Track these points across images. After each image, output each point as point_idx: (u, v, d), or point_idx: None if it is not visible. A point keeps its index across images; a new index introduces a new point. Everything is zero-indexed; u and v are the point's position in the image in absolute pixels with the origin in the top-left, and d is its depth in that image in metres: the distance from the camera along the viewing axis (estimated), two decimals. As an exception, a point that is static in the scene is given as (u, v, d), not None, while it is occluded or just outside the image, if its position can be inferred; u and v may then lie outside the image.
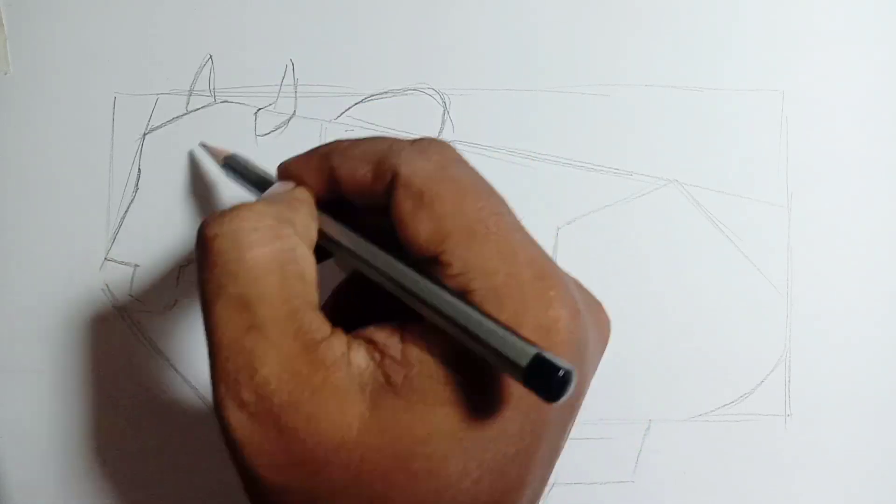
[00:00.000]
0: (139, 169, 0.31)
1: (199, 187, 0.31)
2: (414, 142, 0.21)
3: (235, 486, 0.32)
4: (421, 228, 0.19)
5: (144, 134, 0.31)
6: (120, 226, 0.31)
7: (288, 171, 0.23)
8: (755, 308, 0.31)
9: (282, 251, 0.19)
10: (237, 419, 0.18)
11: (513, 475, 0.19)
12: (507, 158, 0.31)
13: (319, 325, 0.19)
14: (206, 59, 0.31)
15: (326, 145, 0.22)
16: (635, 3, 0.30)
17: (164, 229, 0.31)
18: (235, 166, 0.28)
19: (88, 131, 0.31)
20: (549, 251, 0.20)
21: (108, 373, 0.31)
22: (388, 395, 0.18)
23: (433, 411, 0.18)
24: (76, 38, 0.31)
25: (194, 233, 0.30)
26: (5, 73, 0.31)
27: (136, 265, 0.31)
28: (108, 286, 0.31)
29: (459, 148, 0.22)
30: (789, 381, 0.31)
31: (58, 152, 0.31)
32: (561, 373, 0.16)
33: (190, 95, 0.31)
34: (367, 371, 0.19)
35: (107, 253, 0.31)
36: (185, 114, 0.31)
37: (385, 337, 0.19)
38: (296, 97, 0.31)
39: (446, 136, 0.30)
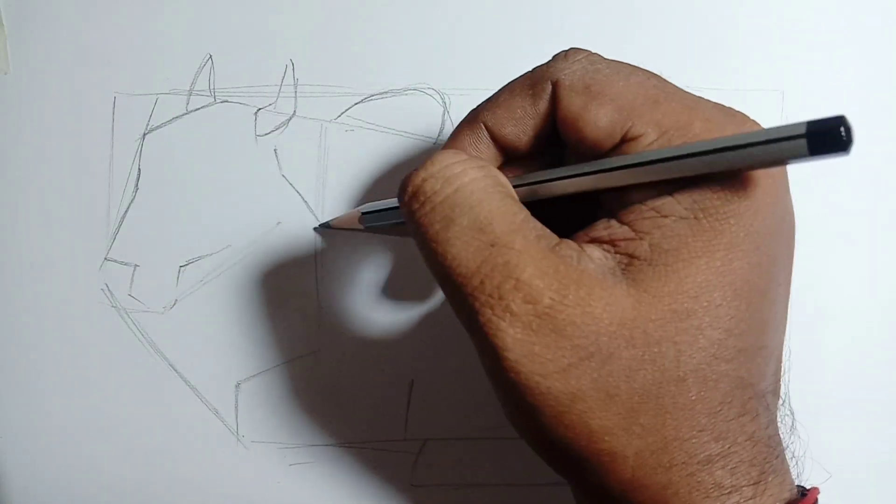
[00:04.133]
0: (139, 169, 0.31)
1: (200, 187, 0.31)
2: (554, 57, 0.21)
3: (236, 485, 0.32)
4: (601, 115, 0.19)
5: (144, 134, 0.31)
6: (120, 226, 0.31)
7: None
8: (755, 308, 0.31)
9: (488, 176, 0.20)
10: (511, 337, 0.18)
11: (761, 306, 0.19)
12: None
13: (549, 232, 0.19)
14: (206, 59, 0.31)
15: (467, 115, 0.22)
16: (635, 3, 0.30)
17: (164, 229, 0.31)
18: (373, 212, 0.26)
19: (88, 131, 0.31)
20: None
21: (109, 373, 0.31)
22: (642, 268, 0.18)
23: (693, 264, 0.18)
24: (76, 38, 0.31)
25: (194, 233, 0.31)
26: (5, 73, 0.31)
27: (136, 265, 0.31)
28: (108, 286, 0.31)
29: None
30: (789, 382, 0.31)
31: (58, 152, 0.31)
32: (838, 121, 0.16)
33: (190, 95, 0.31)
34: (608, 260, 0.19)
35: (107, 253, 0.31)
36: (185, 114, 0.31)
37: (604, 229, 0.20)
38: (296, 97, 0.31)
39: (446, 136, 0.30)
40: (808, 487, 0.20)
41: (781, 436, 0.21)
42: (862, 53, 0.30)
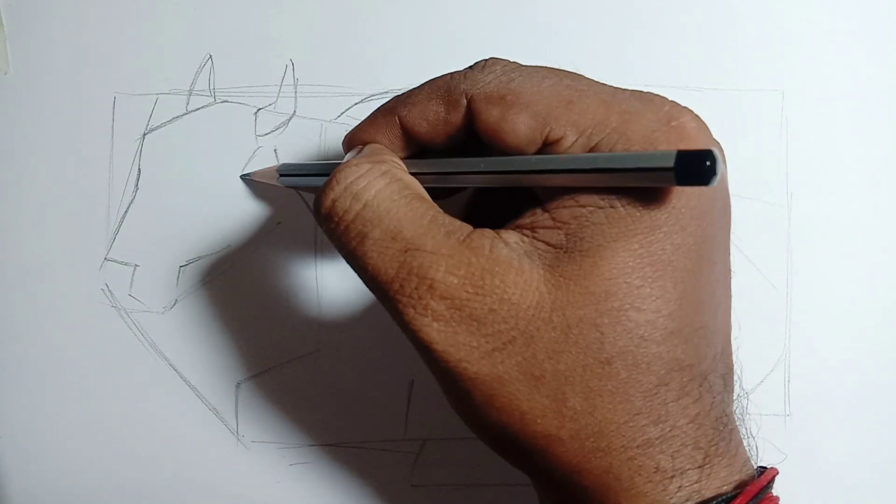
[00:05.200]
0: (139, 169, 0.31)
1: (200, 187, 0.31)
2: (471, 67, 0.22)
3: (236, 485, 0.32)
4: (518, 123, 0.20)
5: (144, 134, 0.31)
6: (120, 226, 0.31)
7: (354, 139, 0.24)
8: (755, 308, 0.31)
9: (392, 183, 0.20)
10: (436, 332, 0.19)
11: (693, 286, 0.19)
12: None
13: (460, 224, 0.20)
14: (206, 59, 0.31)
15: (384, 104, 0.23)
16: (636, 3, 0.30)
17: (164, 229, 0.31)
18: (290, 172, 0.28)
19: (88, 131, 0.31)
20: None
21: (108, 373, 0.31)
22: (558, 255, 0.19)
23: (609, 248, 0.19)
24: (76, 38, 0.31)
25: (194, 233, 0.31)
26: (5, 73, 0.31)
27: (136, 265, 0.31)
28: (108, 286, 0.31)
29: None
30: (789, 381, 0.31)
31: (58, 152, 0.31)
32: (704, 156, 0.16)
33: (190, 95, 0.31)
34: (525, 244, 0.19)
35: (107, 253, 0.31)
36: (185, 114, 0.31)
37: (528, 217, 0.20)
38: (296, 97, 0.31)
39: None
40: (767, 468, 0.20)
41: (736, 418, 0.21)
42: (862, 53, 0.30)
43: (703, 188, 0.19)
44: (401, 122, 0.22)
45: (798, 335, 0.31)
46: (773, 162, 0.31)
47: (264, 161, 0.31)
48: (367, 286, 0.21)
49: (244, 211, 0.31)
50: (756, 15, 0.30)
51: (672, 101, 0.20)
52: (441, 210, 0.20)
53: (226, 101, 0.31)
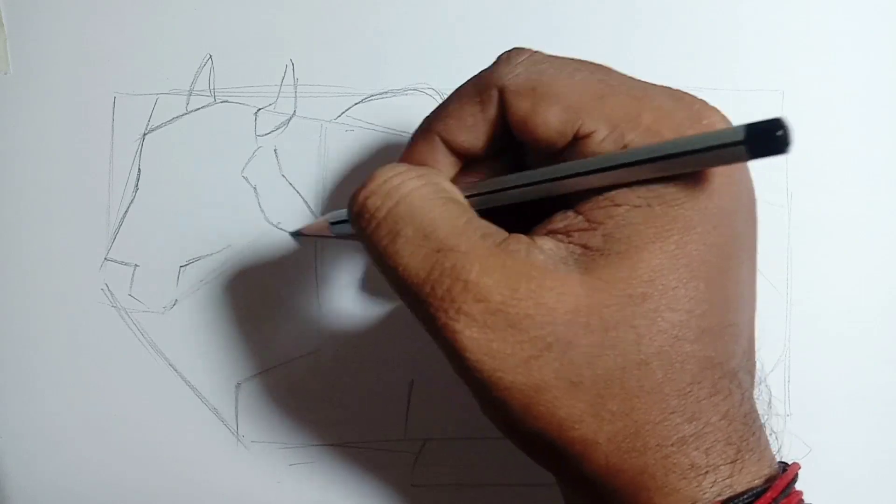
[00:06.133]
0: (139, 169, 0.31)
1: (200, 187, 0.31)
2: (497, 60, 0.21)
3: (236, 485, 0.32)
4: (550, 115, 0.20)
5: (144, 134, 0.31)
6: (120, 226, 0.31)
7: None
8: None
9: (427, 185, 0.20)
10: (468, 337, 0.18)
11: (723, 285, 0.19)
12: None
13: (496, 229, 0.20)
14: (206, 59, 0.31)
15: (419, 127, 0.23)
16: (635, 3, 0.30)
17: (164, 229, 0.31)
18: (341, 219, 0.27)
19: (88, 131, 0.31)
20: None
21: (108, 373, 0.31)
22: (594, 258, 0.19)
23: (646, 250, 0.18)
24: (76, 38, 0.31)
25: (194, 233, 0.31)
26: (5, 73, 0.31)
27: (136, 265, 0.31)
28: (108, 286, 0.31)
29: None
30: (789, 381, 0.31)
31: (58, 152, 0.31)
32: (775, 124, 0.16)
33: (190, 95, 0.31)
34: (560, 249, 0.19)
35: (107, 253, 0.31)
36: (185, 114, 0.31)
37: (560, 220, 0.20)
38: (296, 97, 0.31)
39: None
40: (788, 463, 0.20)
41: (760, 412, 0.21)
42: (862, 53, 0.30)
43: (735, 179, 0.19)
44: (441, 138, 0.22)
45: (798, 335, 0.31)
46: (773, 162, 0.31)
47: (264, 161, 0.31)
48: (396, 289, 0.20)
49: (244, 211, 0.31)
50: (756, 15, 0.30)
51: (702, 101, 0.20)
52: (476, 214, 0.20)
53: (226, 101, 0.31)
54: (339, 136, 0.31)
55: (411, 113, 0.31)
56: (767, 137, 0.16)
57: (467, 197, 0.22)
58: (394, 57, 0.31)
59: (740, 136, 0.16)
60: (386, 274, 0.20)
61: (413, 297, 0.19)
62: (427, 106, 0.31)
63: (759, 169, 0.31)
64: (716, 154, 0.17)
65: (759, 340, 0.30)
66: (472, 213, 0.20)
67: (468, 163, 0.23)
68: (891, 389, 0.31)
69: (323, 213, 0.31)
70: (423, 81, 0.31)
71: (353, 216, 0.20)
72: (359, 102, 0.31)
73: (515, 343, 0.18)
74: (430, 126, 0.22)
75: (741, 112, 0.31)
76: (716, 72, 0.30)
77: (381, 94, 0.31)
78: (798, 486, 0.20)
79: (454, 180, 0.22)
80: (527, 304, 0.18)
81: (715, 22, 0.30)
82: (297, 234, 0.31)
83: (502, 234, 0.19)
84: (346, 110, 0.31)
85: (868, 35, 0.30)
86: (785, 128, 0.16)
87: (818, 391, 0.31)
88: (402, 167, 0.20)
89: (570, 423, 0.18)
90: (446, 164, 0.22)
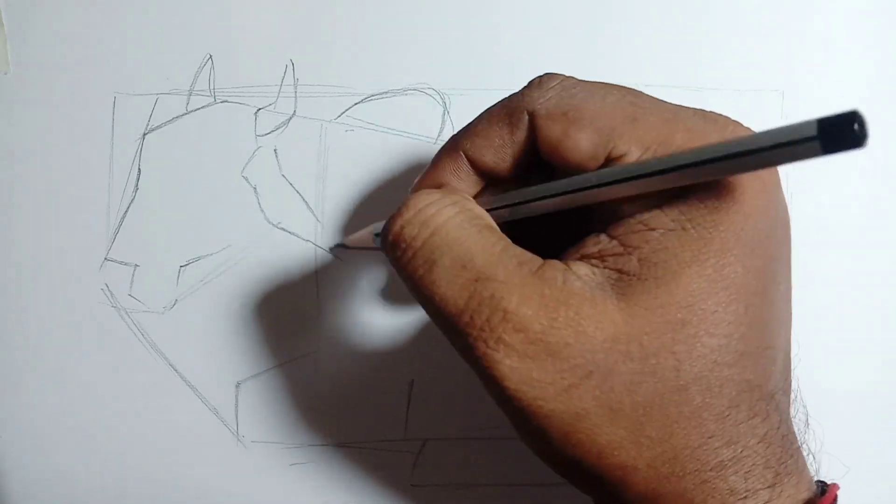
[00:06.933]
0: (139, 169, 0.31)
1: (200, 187, 0.31)
2: (528, 85, 0.21)
3: (236, 485, 0.32)
4: (582, 139, 0.20)
5: (144, 134, 0.31)
6: (120, 226, 0.31)
7: (423, 185, 0.23)
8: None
9: (462, 212, 0.20)
10: (508, 366, 0.18)
11: (760, 307, 0.19)
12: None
13: (531, 256, 0.19)
14: (206, 59, 0.31)
15: (445, 144, 0.23)
16: (636, 3, 0.30)
17: (164, 229, 0.31)
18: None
19: (88, 131, 0.31)
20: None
21: (109, 373, 0.31)
22: (631, 283, 0.18)
23: (683, 274, 0.18)
24: (76, 38, 0.31)
25: (194, 233, 0.30)
26: (5, 73, 0.31)
27: (136, 265, 0.31)
28: (108, 286, 0.31)
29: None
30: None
31: (58, 152, 0.31)
32: (851, 117, 0.15)
33: (190, 95, 0.31)
34: (596, 275, 0.19)
35: (107, 253, 0.31)
36: (185, 114, 0.31)
37: (593, 245, 0.20)
38: (296, 97, 0.31)
39: (446, 136, 0.30)
40: (827, 483, 0.20)
41: (797, 432, 0.21)
42: (862, 53, 0.30)
43: (770, 200, 0.19)
44: (467, 157, 0.22)
45: (798, 335, 0.31)
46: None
47: (264, 161, 0.31)
48: (433, 317, 0.20)
49: (244, 211, 0.31)
50: (756, 15, 0.30)
51: (735, 121, 0.20)
52: (510, 241, 0.20)
53: (226, 101, 0.31)
54: (339, 136, 0.31)
55: (411, 113, 0.31)
56: (843, 131, 0.16)
57: (492, 210, 0.22)
58: (394, 57, 0.31)
59: (813, 132, 0.16)
60: (423, 303, 0.20)
61: (451, 326, 0.19)
62: (427, 106, 0.31)
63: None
64: (789, 150, 0.16)
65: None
66: (507, 241, 0.20)
67: (492, 182, 0.23)
68: (891, 389, 0.31)
69: (323, 214, 0.31)
70: (423, 81, 0.31)
71: (388, 245, 0.20)
72: (359, 102, 0.31)
73: (555, 372, 0.18)
74: (457, 144, 0.22)
75: (741, 112, 0.31)
76: (716, 72, 0.30)
77: (381, 94, 0.31)
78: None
79: (477, 198, 0.22)
80: (566, 333, 0.18)
81: (715, 22, 0.30)
82: (339, 247, 0.31)
83: (538, 260, 0.19)
84: (346, 110, 0.31)
85: (868, 35, 0.30)
86: (862, 121, 0.15)
87: (818, 391, 0.31)
88: (436, 195, 0.20)
89: (609, 450, 0.18)
90: (470, 183, 0.22)
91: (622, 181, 0.19)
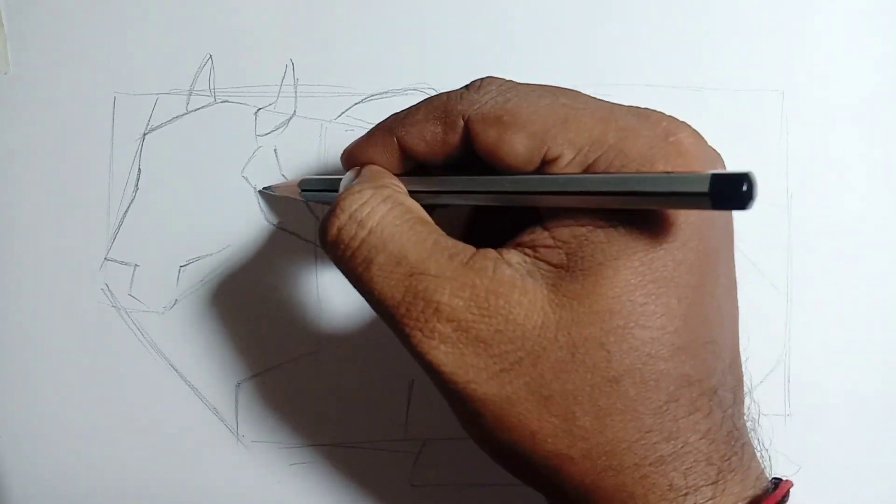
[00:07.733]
0: (139, 169, 0.31)
1: (200, 187, 0.31)
2: (468, 87, 0.22)
3: (236, 485, 0.32)
4: (516, 142, 0.20)
5: (144, 134, 0.31)
6: (120, 226, 0.31)
7: (353, 155, 0.24)
8: (754, 308, 0.31)
9: (394, 208, 0.21)
10: (443, 353, 0.19)
11: (698, 301, 0.19)
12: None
13: (462, 246, 0.20)
14: (206, 59, 0.31)
15: (383, 122, 0.23)
16: (636, 3, 0.30)
17: (164, 229, 0.31)
18: (311, 188, 0.28)
19: (88, 131, 0.31)
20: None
21: (109, 373, 0.31)
22: (560, 274, 0.19)
23: (610, 267, 0.19)
24: (76, 38, 0.31)
25: (194, 233, 0.31)
26: (5, 73, 0.31)
27: (136, 265, 0.31)
28: (108, 286, 0.31)
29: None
30: (789, 381, 0.31)
31: (58, 152, 0.31)
32: (741, 178, 0.16)
33: (190, 95, 0.31)
34: (526, 264, 0.20)
35: (107, 253, 0.31)
36: (185, 114, 0.31)
37: (529, 235, 0.20)
38: (296, 97, 0.31)
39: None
40: (782, 479, 0.20)
41: (749, 429, 0.21)
42: (862, 53, 0.30)
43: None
44: (399, 142, 0.22)
45: (798, 335, 0.31)
46: (773, 162, 0.31)
47: (264, 161, 0.31)
48: (375, 310, 0.21)
49: (244, 211, 0.31)
50: (756, 15, 0.30)
51: (670, 117, 0.20)
52: (443, 233, 0.21)
53: (226, 101, 0.31)
54: (339, 136, 0.31)
55: (411, 113, 0.31)
56: (732, 191, 0.16)
57: (416, 193, 0.22)
58: (394, 57, 0.31)
59: (704, 187, 0.16)
60: (364, 297, 0.21)
61: (390, 318, 0.20)
62: (427, 106, 0.31)
63: (759, 169, 0.31)
64: (678, 199, 0.17)
65: (759, 340, 0.31)
66: (438, 233, 0.20)
67: (420, 167, 0.23)
68: (891, 389, 0.31)
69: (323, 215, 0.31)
70: (423, 81, 0.31)
71: (327, 245, 0.21)
72: (359, 102, 0.31)
73: (487, 357, 0.19)
74: (393, 128, 0.23)
75: (741, 112, 0.31)
76: (716, 72, 0.30)
77: (381, 94, 0.31)
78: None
79: (405, 176, 0.23)
80: (496, 321, 0.19)
81: (715, 22, 0.30)
82: (267, 190, 0.31)
83: (469, 251, 0.20)
84: (346, 110, 0.31)
85: (868, 35, 0.30)
86: (751, 183, 0.16)
87: (818, 391, 0.31)
88: (367, 192, 0.21)
89: (542, 437, 0.19)
90: (397, 164, 0.23)
91: (535, 193, 0.20)
